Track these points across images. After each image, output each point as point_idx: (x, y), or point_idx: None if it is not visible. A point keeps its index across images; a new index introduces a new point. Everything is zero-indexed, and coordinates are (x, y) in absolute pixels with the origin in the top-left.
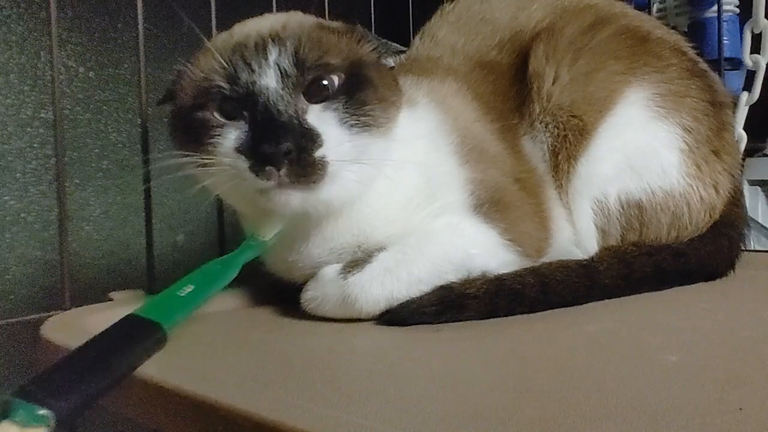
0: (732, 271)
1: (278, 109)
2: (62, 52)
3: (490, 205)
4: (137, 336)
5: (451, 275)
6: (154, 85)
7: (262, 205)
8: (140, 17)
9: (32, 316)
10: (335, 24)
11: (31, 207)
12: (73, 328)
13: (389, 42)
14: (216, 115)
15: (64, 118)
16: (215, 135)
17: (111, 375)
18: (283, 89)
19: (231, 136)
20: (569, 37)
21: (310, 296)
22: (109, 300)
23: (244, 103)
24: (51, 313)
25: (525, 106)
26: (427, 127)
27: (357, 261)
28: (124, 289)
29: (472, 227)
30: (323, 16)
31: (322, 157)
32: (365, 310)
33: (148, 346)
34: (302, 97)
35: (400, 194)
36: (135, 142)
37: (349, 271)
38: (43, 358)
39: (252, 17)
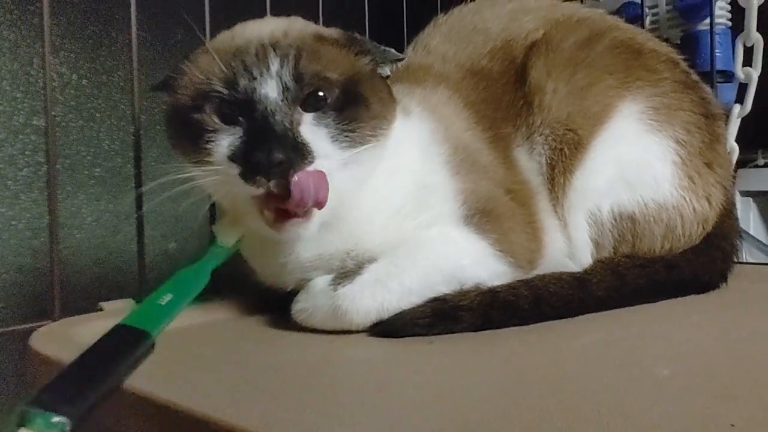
0: (725, 283)
1: (275, 119)
2: (55, 59)
3: (482, 216)
4: (130, 344)
5: (442, 286)
6: (147, 92)
7: (254, 212)
8: (133, 25)
9: (21, 326)
10: (334, 34)
11: (21, 214)
12: (62, 339)
13: (387, 49)
14: (213, 118)
15: (57, 126)
16: (210, 139)
17: (112, 381)
18: (282, 100)
19: (225, 142)
20: (567, 51)
21: (300, 307)
22: (100, 310)
23: (241, 108)
24: (40, 323)
25: (520, 117)
26: (420, 136)
27: (347, 272)
28: (115, 298)
29: (464, 238)
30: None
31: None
32: (356, 321)
33: (141, 353)
34: (298, 108)
35: (390, 202)
36: (128, 149)
37: (340, 283)
38: (32, 369)
39: (247, 19)
